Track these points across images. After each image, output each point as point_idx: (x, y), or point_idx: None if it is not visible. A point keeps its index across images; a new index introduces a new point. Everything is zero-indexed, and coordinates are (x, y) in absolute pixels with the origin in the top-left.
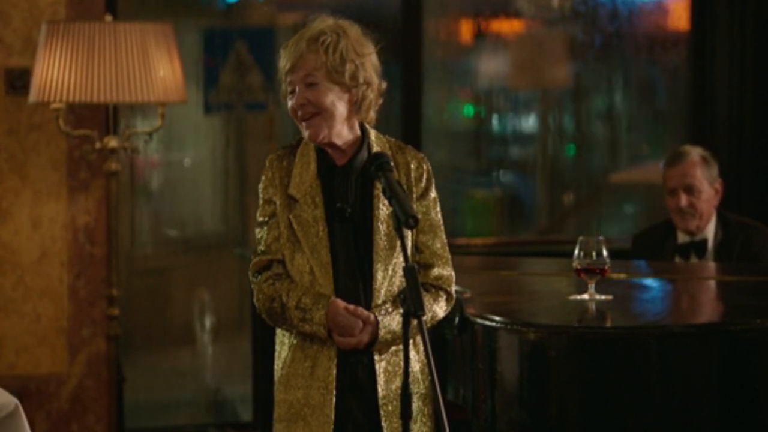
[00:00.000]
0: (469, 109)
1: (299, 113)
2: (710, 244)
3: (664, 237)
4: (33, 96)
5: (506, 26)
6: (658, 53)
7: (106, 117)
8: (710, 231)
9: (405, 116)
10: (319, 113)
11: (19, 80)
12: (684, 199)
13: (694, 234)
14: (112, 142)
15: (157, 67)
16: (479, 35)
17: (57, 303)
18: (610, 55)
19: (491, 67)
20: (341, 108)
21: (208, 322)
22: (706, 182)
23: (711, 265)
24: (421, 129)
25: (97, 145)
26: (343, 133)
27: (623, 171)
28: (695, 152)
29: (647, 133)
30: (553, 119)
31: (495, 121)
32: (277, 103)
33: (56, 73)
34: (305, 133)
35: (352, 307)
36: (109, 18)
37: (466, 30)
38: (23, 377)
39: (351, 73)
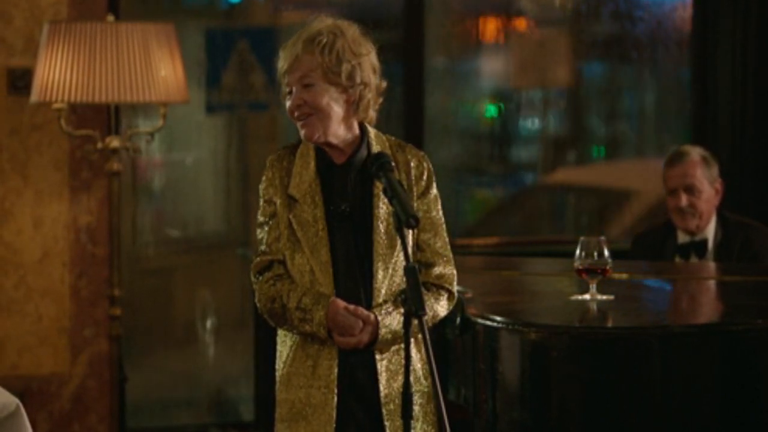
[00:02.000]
0: (490, 110)
1: (296, 114)
2: (710, 244)
3: (664, 237)
4: (35, 96)
5: (509, 25)
6: (660, 53)
7: (107, 117)
8: (710, 231)
9: (407, 115)
10: (315, 114)
11: (21, 80)
12: (684, 199)
13: (694, 234)
14: (114, 142)
15: (158, 67)
16: (482, 35)
17: (59, 303)
18: (612, 55)
19: (493, 66)
20: (338, 108)
21: (209, 322)
22: (706, 182)
23: (711, 265)
24: (424, 128)
25: (99, 145)
26: (340, 132)
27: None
28: (695, 152)
29: (649, 132)
30: (555, 119)
31: (498, 120)
32: (279, 103)
33: (58, 73)
34: (301, 133)
35: (352, 306)
36: (110, 18)
37: (468, 29)
38: (25, 377)
39: (347, 73)
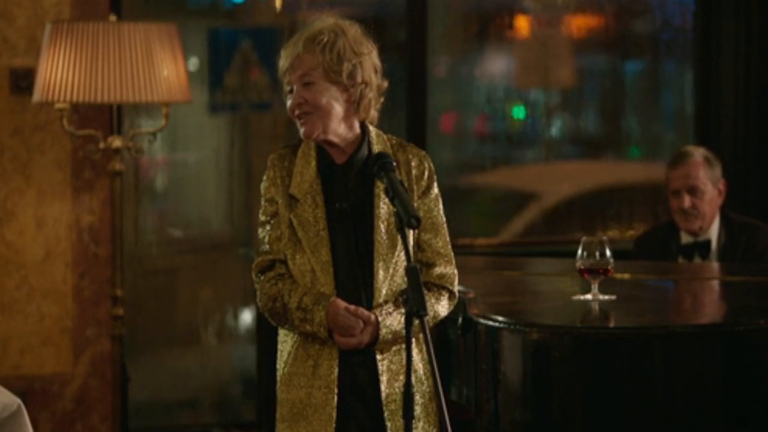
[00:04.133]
0: (518, 111)
1: (296, 112)
2: (714, 244)
3: (668, 237)
4: (37, 96)
5: (512, 25)
6: (663, 51)
7: (110, 117)
8: (714, 231)
9: (410, 115)
10: (315, 112)
11: (24, 80)
12: (687, 200)
13: (697, 235)
14: (116, 142)
15: (161, 67)
16: (484, 34)
17: (61, 303)
18: (616, 53)
19: (497, 65)
20: (338, 107)
21: (212, 322)
22: (709, 183)
23: (714, 266)
24: (427, 128)
25: (101, 145)
26: (340, 131)
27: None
28: (698, 153)
29: (652, 132)
30: (557, 117)
31: (501, 120)
32: (282, 103)
33: (60, 73)
34: (301, 131)
35: (352, 307)
36: (113, 18)
37: (471, 28)
38: (28, 377)
39: (348, 72)
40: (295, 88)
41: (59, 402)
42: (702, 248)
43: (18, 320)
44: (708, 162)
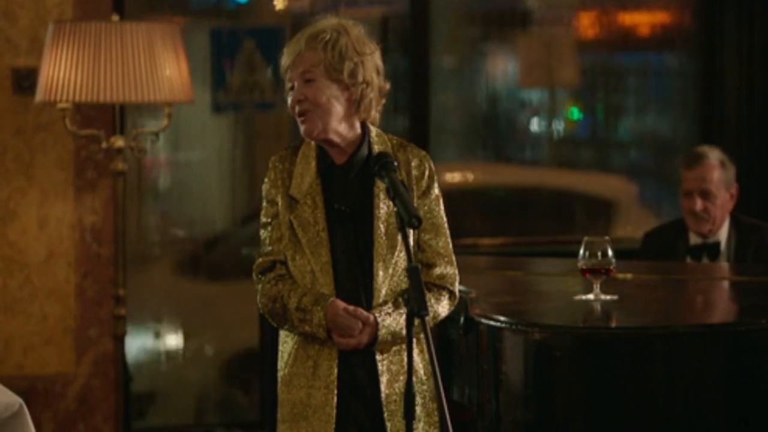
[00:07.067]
0: (573, 112)
1: (297, 109)
2: (723, 246)
3: (676, 237)
4: (40, 96)
5: (515, 24)
6: (667, 50)
7: (112, 117)
8: (723, 233)
9: (412, 114)
10: (315, 110)
11: (26, 80)
12: (699, 204)
13: (706, 236)
14: (119, 142)
15: (163, 67)
16: (486, 33)
17: (64, 303)
18: (618, 52)
19: (499, 65)
20: (338, 106)
21: (214, 322)
22: (722, 187)
23: (717, 266)
24: (429, 127)
25: (104, 144)
26: (340, 130)
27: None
28: (714, 155)
29: (655, 132)
30: (558, 117)
31: (503, 119)
32: (285, 103)
33: (63, 73)
34: (301, 129)
35: (351, 308)
36: (115, 18)
37: (474, 28)
38: (30, 377)
39: (350, 71)
40: (296, 85)
41: (61, 402)
42: (711, 249)
43: (20, 320)
44: (723, 165)
